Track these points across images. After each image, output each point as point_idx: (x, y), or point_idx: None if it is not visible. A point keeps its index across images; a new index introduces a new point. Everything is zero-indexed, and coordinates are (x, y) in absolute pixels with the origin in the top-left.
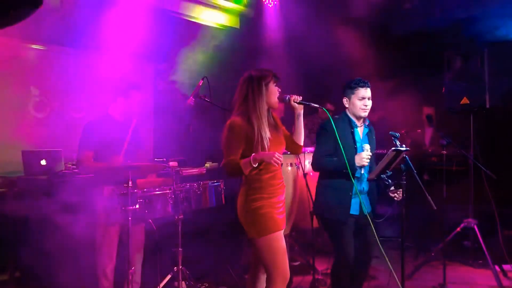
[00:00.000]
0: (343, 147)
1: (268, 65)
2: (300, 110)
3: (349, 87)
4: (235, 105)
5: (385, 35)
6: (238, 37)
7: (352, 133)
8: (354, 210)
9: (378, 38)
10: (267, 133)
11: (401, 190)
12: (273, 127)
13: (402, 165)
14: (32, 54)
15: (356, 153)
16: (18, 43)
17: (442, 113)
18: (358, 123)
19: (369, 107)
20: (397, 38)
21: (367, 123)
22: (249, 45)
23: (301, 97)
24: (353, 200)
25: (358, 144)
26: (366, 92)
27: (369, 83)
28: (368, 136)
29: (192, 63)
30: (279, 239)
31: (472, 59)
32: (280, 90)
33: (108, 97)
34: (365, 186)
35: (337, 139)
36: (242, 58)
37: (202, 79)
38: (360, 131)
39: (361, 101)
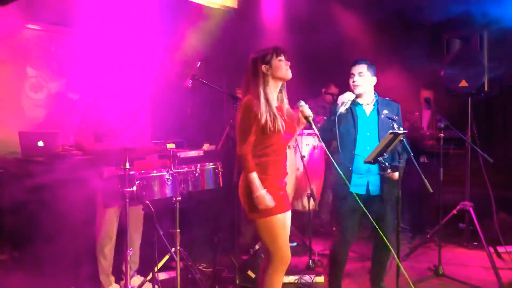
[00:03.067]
0: (345, 126)
1: (267, 44)
2: (302, 123)
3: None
4: (243, 87)
5: (385, 17)
6: (236, 17)
7: (351, 110)
8: (359, 189)
9: (377, 20)
10: (265, 116)
11: (397, 172)
12: (282, 110)
13: (399, 148)
14: (28, 34)
15: (355, 128)
16: (14, 22)
17: (440, 96)
18: (360, 101)
19: (358, 83)
20: (397, 21)
21: (375, 100)
22: (247, 25)
23: (312, 115)
24: (359, 180)
25: (359, 121)
26: (354, 69)
27: (360, 61)
28: (377, 113)
29: (189, 44)
30: (280, 221)
31: (471, 42)
32: (289, 62)
33: (107, 78)
34: (372, 166)
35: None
36: (240, 39)
37: (200, 60)
38: (367, 108)
39: (352, 78)
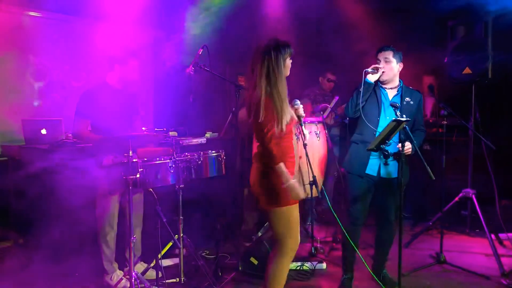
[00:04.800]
0: (369, 105)
1: (268, 32)
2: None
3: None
4: (260, 80)
5: (387, 2)
6: (239, 5)
7: (375, 92)
8: (371, 170)
9: (380, 5)
10: (288, 113)
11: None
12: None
13: (402, 136)
14: (30, 22)
15: (378, 110)
16: (16, 10)
17: (443, 83)
18: (384, 85)
19: (382, 70)
20: (400, 6)
21: (399, 86)
22: (249, 11)
23: (304, 115)
24: (372, 161)
25: (383, 105)
26: (380, 55)
27: (386, 47)
28: (400, 99)
29: (191, 31)
30: (296, 210)
31: (475, 29)
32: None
33: (105, 65)
34: (390, 149)
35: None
36: (243, 27)
37: (202, 47)
38: (390, 93)
39: (378, 65)
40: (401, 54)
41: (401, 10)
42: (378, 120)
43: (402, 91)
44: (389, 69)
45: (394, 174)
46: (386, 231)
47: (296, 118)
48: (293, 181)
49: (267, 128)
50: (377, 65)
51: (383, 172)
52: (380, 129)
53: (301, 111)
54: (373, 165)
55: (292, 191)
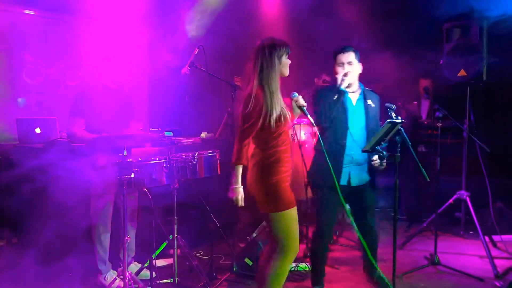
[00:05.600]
0: (334, 113)
1: (265, 33)
2: (296, 113)
3: (333, 56)
4: (253, 75)
5: (383, 5)
6: (235, 4)
7: (339, 99)
8: (342, 180)
9: (376, 7)
10: (278, 109)
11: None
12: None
13: (397, 137)
14: (25, 20)
15: (346, 117)
16: (11, 8)
17: (439, 85)
18: (348, 89)
19: (350, 73)
20: (396, 9)
21: (361, 89)
22: (245, 12)
23: (305, 104)
24: (342, 170)
25: (349, 110)
26: (343, 57)
27: (348, 47)
28: (364, 102)
29: (187, 30)
30: (295, 213)
31: (471, 31)
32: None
33: (101, 65)
34: (355, 154)
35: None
36: (238, 26)
37: (198, 47)
38: (353, 97)
39: (340, 67)
40: (359, 53)
41: (397, 13)
42: (348, 127)
43: (364, 94)
44: (354, 72)
45: (365, 181)
46: (368, 236)
47: (289, 117)
48: (240, 187)
49: (248, 124)
50: (345, 71)
51: (354, 181)
52: (349, 136)
53: (302, 101)
54: (344, 174)
55: (235, 196)
